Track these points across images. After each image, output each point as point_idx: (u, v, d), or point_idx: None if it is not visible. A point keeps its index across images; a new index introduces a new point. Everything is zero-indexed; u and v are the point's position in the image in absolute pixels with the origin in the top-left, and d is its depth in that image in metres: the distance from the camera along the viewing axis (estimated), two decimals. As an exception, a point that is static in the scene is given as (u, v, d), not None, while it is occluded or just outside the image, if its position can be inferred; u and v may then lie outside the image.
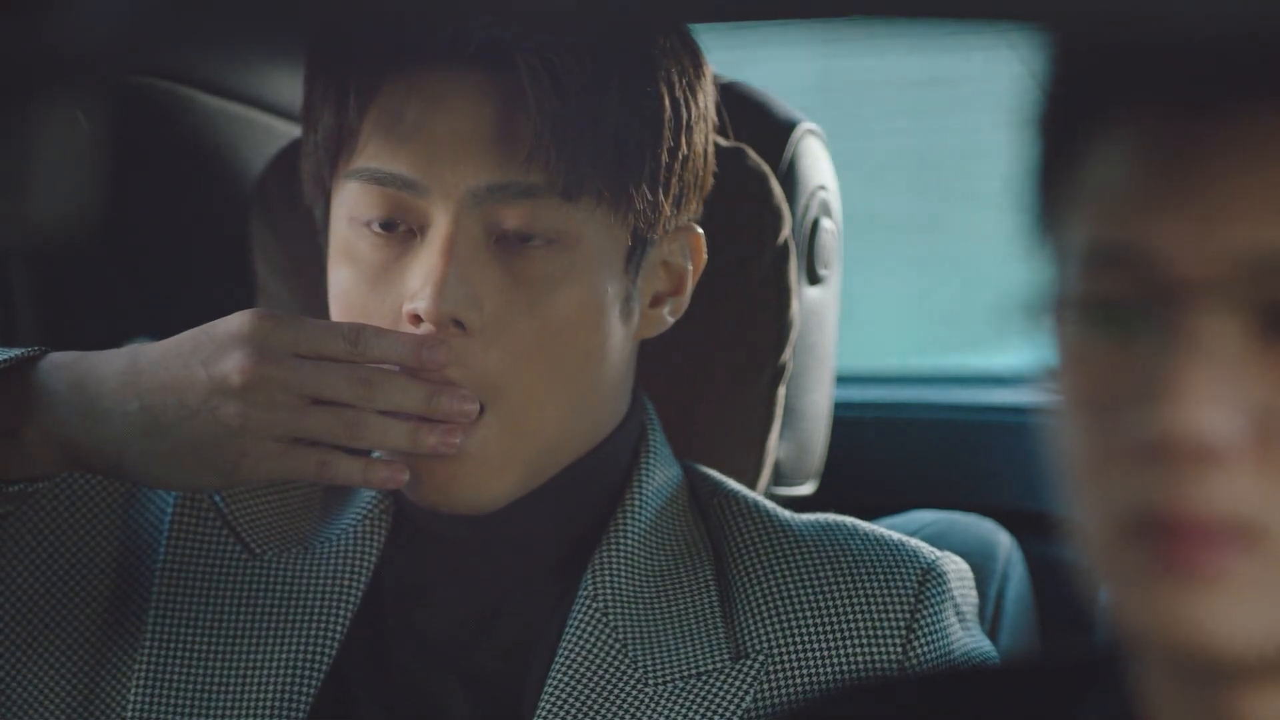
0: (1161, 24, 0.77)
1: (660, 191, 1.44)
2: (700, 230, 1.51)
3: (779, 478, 1.69)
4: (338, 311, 1.44)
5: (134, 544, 1.50)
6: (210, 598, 1.47)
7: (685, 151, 1.45)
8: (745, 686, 1.43)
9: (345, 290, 1.44)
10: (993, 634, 1.70)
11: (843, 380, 1.82)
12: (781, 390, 1.65)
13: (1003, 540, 1.77)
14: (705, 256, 1.51)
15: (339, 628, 1.45)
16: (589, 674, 1.43)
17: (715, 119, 1.50)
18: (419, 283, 1.40)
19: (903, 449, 2.18)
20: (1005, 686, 1.03)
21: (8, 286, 1.88)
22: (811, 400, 1.71)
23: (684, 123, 1.45)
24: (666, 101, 1.43)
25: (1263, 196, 0.86)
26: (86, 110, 0.82)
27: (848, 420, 1.91)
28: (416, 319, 1.39)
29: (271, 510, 1.50)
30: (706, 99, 1.48)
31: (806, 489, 1.73)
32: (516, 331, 1.40)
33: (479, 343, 1.40)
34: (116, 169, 1.82)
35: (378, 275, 1.42)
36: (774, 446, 1.66)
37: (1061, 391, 0.91)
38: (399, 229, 1.42)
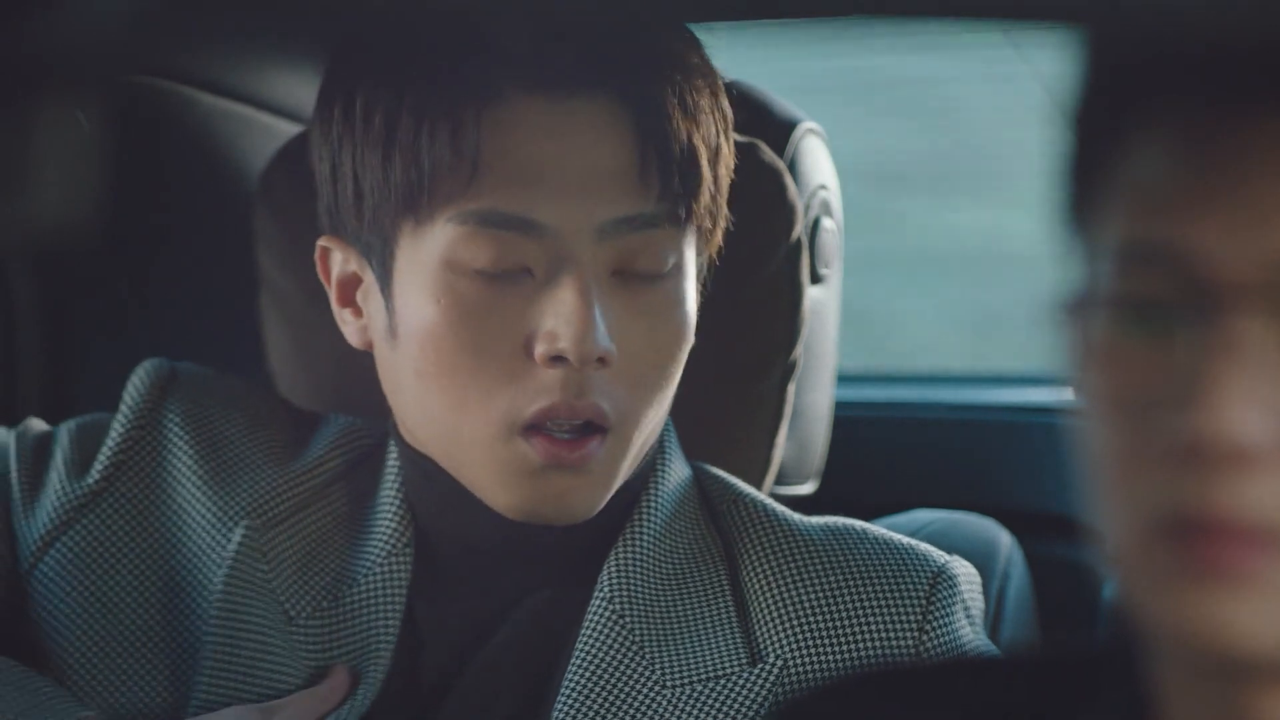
0: (1201, 25, 0.77)
1: (726, 204, 1.45)
2: None
3: (780, 477, 1.69)
4: (427, 353, 1.41)
5: (178, 576, 1.51)
6: (257, 654, 1.47)
7: (732, 163, 1.47)
8: (764, 691, 1.43)
9: (442, 332, 1.40)
10: (993, 632, 1.70)
11: (844, 380, 1.82)
12: (791, 387, 1.65)
13: (1003, 539, 1.77)
14: None
15: (374, 684, 1.45)
16: (606, 676, 1.43)
17: None
18: (558, 325, 1.38)
19: (903, 448, 2.18)
20: (1018, 679, 1.02)
21: (8, 288, 1.88)
22: (812, 400, 1.71)
23: (730, 135, 1.46)
24: (726, 116, 1.45)
25: None
26: (87, 110, 0.82)
27: (849, 419, 1.91)
28: (556, 361, 1.38)
29: (298, 548, 1.50)
30: None
31: (807, 488, 1.73)
32: (639, 361, 1.41)
33: (612, 375, 1.40)
34: (117, 169, 1.81)
35: (488, 318, 1.39)
36: (782, 443, 1.66)
37: (1090, 391, 0.90)
38: (511, 268, 1.39)
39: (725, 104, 1.45)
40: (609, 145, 1.39)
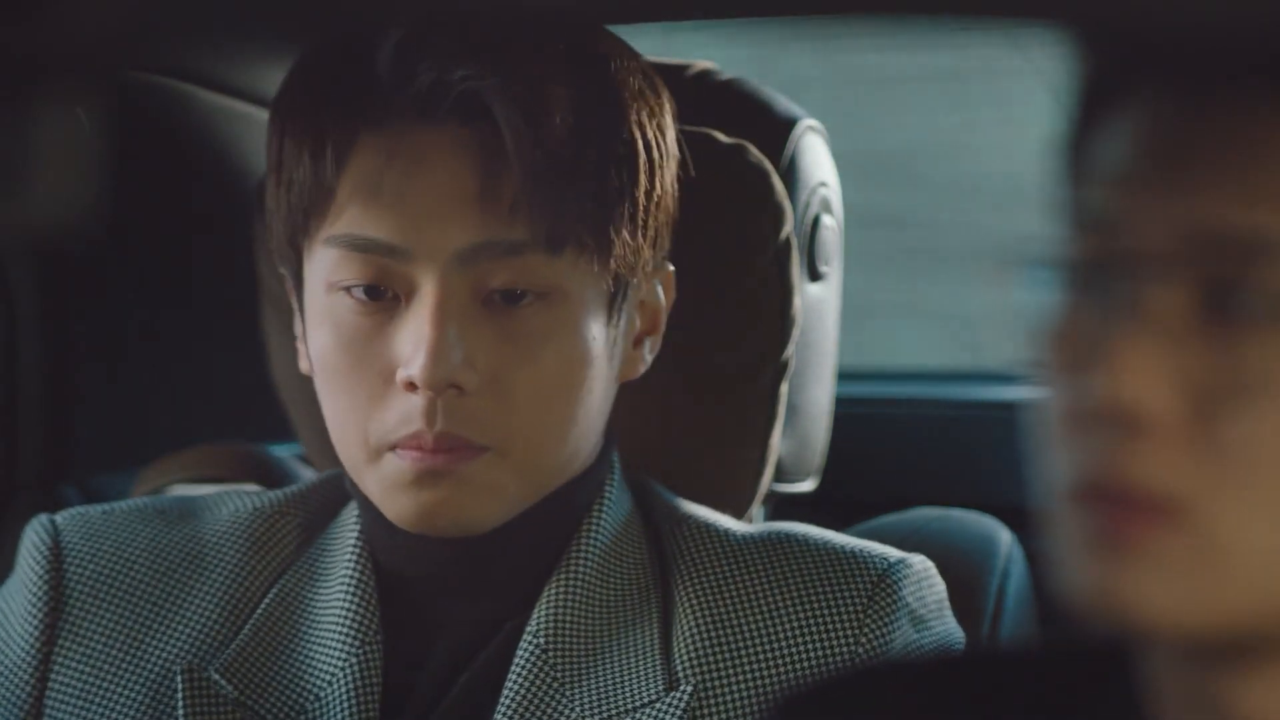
0: (1170, 17, 0.78)
1: (640, 235, 1.44)
2: (671, 267, 1.51)
3: (780, 474, 1.69)
4: (321, 377, 1.44)
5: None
6: None
7: (659, 192, 1.45)
8: (676, 716, 1.43)
9: (329, 355, 1.43)
10: (994, 630, 1.70)
11: (844, 377, 1.82)
12: (784, 387, 1.65)
13: (1003, 537, 1.77)
14: (674, 294, 1.52)
15: None
16: (528, 714, 1.43)
17: (678, 154, 1.50)
18: (411, 349, 1.39)
19: (904, 445, 2.18)
20: (1018, 673, 1.03)
21: (8, 288, 1.88)
22: (812, 397, 1.71)
23: (656, 164, 1.45)
24: (640, 145, 1.43)
25: (1234, 178, 0.87)
26: (87, 108, 0.82)
27: (849, 417, 1.91)
28: (412, 386, 1.39)
29: (261, 654, 1.49)
30: (672, 136, 1.48)
31: (807, 485, 1.73)
32: (512, 387, 1.40)
33: (476, 402, 1.40)
34: (117, 166, 1.81)
35: (363, 342, 1.42)
36: (777, 444, 1.66)
37: (1042, 358, 0.91)
38: (384, 295, 1.41)
39: (658, 138, 1.45)
40: (465, 172, 1.39)
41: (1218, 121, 0.87)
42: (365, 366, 1.41)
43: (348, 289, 1.42)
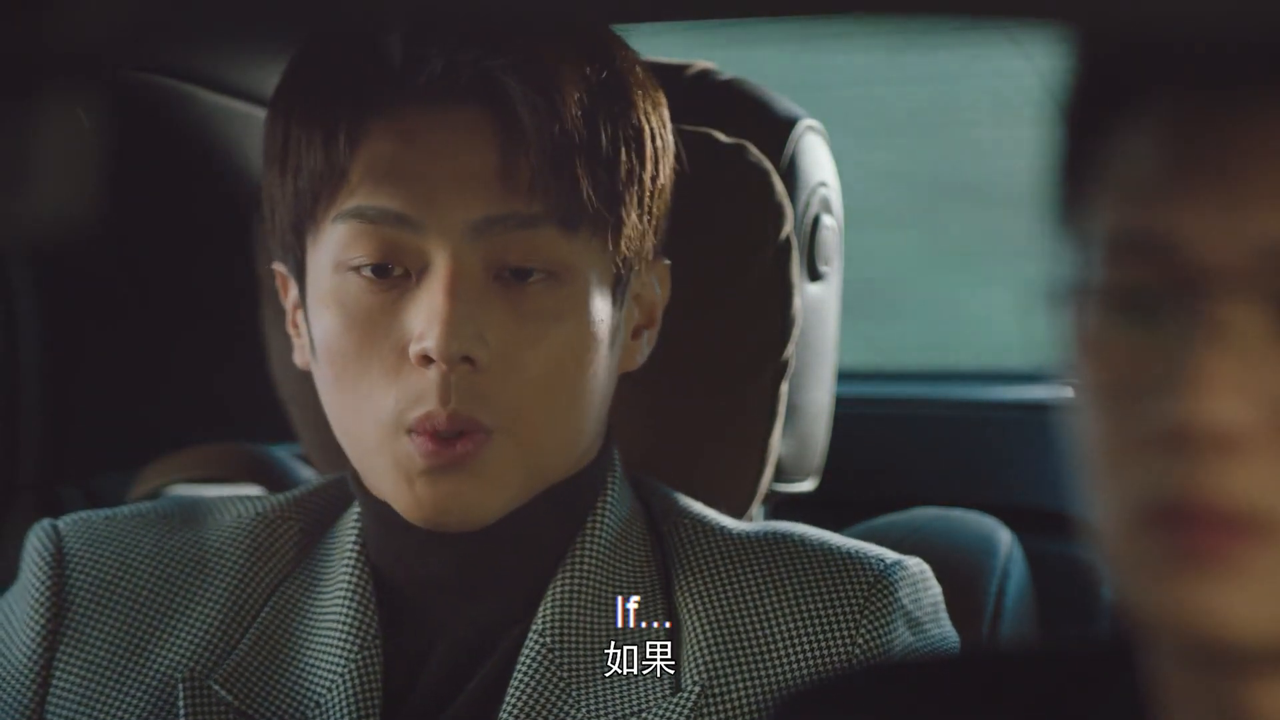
0: (1187, 18, 0.77)
1: (646, 219, 1.45)
2: (667, 261, 1.52)
3: (781, 474, 1.69)
4: (327, 359, 1.44)
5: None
6: None
7: (662, 180, 1.46)
8: (681, 718, 1.43)
9: (335, 337, 1.42)
10: (994, 630, 1.71)
11: (844, 377, 1.82)
12: (784, 387, 1.65)
13: (1003, 537, 1.77)
14: (670, 290, 1.52)
15: None
16: (533, 716, 1.43)
17: (674, 149, 1.50)
18: (424, 323, 1.39)
19: (904, 446, 2.18)
20: (1018, 674, 1.03)
21: (8, 285, 1.88)
22: (813, 397, 1.71)
23: (660, 151, 1.46)
24: (647, 131, 1.45)
25: None
26: (87, 107, 0.82)
27: (850, 416, 1.91)
28: (426, 359, 1.39)
29: (260, 663, 1.49)
30: (670, 130, 1.49)
31: (807, 485, 1.73)
32: (523, 366, 1.40)
33: (488, 377, 1.40)
34: (117, 166, 1.81)
35: (372, 321, 1.41)
36: (777, 443, 1.66)
37: (1080, 381, 0.91)
38: (393, 272, 1.41)
39: (660, 127, 1.46)
40: (480, 151, 1.40)
41: (1263, 129, 0.87)
42: (375, 345, 1.41)
43: (356, 268, 1.41)
